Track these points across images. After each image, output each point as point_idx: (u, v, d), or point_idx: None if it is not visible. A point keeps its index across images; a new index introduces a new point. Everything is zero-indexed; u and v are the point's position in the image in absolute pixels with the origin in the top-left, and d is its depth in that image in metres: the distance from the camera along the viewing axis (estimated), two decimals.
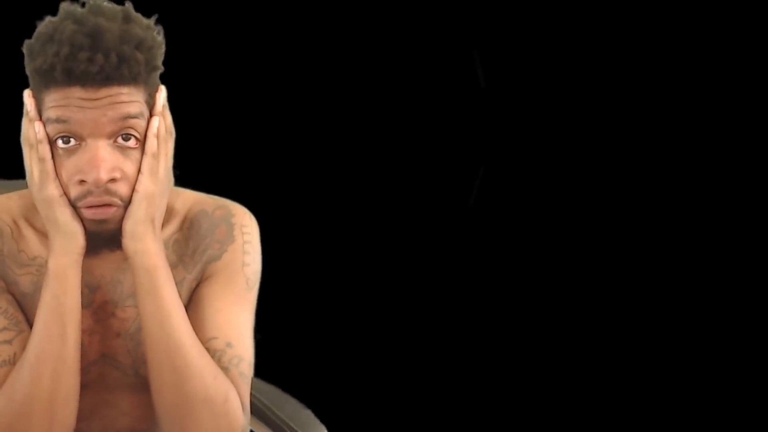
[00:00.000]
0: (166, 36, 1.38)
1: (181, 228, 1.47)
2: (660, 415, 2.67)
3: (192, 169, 1.48)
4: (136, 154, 1.35)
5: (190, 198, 1.49)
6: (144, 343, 1.38)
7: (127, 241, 1.36)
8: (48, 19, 1.35)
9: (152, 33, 1.35)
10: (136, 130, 1.34)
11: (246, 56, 2.65)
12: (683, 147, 2.71)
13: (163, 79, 1.41)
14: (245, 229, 1.48)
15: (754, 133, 2.69)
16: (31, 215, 1.44)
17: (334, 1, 2.68)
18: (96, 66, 1.29)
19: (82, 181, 1.33)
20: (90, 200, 1.34)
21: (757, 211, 2.70)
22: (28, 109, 1.35)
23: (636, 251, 2.75)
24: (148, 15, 1.38)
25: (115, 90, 1.31)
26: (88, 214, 1.35)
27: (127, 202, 1.36)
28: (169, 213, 1.47)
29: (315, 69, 2.70)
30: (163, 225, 1.45)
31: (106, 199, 1.34)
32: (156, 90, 1.37)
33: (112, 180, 1.33)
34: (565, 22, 2.70)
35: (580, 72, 2.71)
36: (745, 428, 2.62)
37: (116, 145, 1.34)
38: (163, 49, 1.37)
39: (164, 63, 1.39)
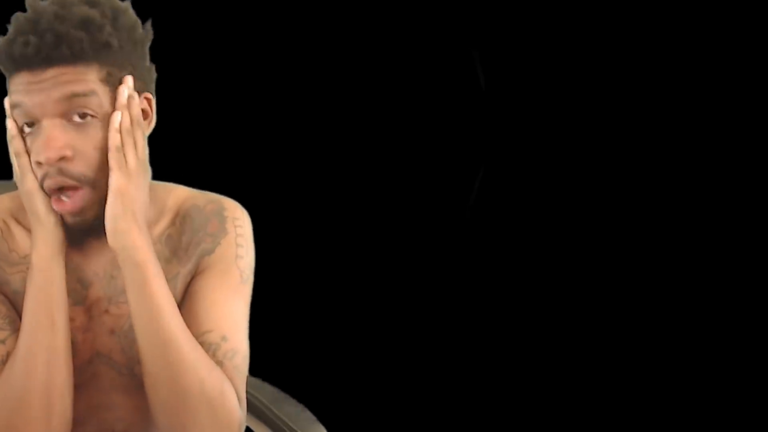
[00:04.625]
0: (163, 34, 1.38)
1: (173, 223, 1.47)
2: (660, 415, 2.67)
3: (188, 166, 1.48)
4: (93, 131, 1.35)
5: (182, 194, 1.49)
6: (136, 339, 1.38)
7: (111, 239, 1.36)
8: None
9: (97, 12, 1.34)
10: (89, 108, 1.35)
11: (246, 57, 2.65)
12: (683, 147, 2.71)
13: (160, 78, 1.41)
14: (237, 222, 1.48)
15: (754, 133, 2.68)
16: (20, 215, 1.45)
17: (333, 1, 2.68)
18: (31, 48, 1.30)
19: (38, 163, 1.34)
20: (48, 183, 1.35)
21: (757, 211, 2.70)
22: (5, 105, 1.37)
23: (636, 251, 2.75)
24: (145, 13, 1.38)
25: (59, 70, 1.32)
26: (57, 207, 1.36)
27: (91, 182, 1.36)
28: (161, 209, 1.47)
29: (315, 69, 2.70)
30: (156, 221, 1.46)
31: (60, 180, 1.34)
32: (126, 70, 1.37)
33: (64, 159, 1.34)
34: (565, 23, 2.70)
35: (580, 72, 2.71)
36: (745, 428, 2.61)
37: (71, 123, 1.34)
38: (126, 27, 1.37)
39: (162, 61, 1.38)
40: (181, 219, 1.47)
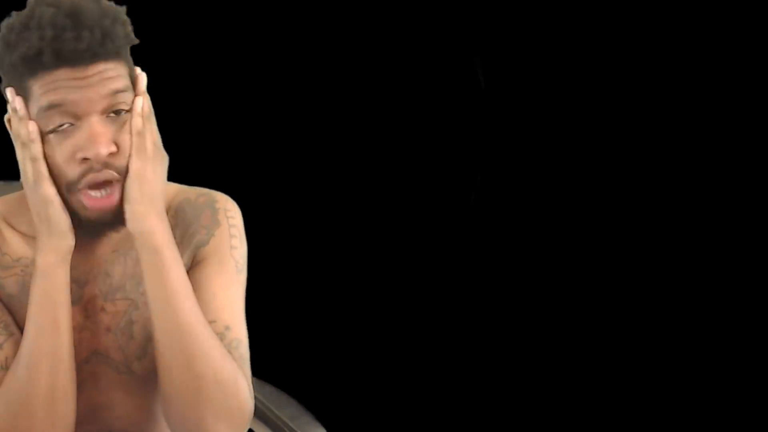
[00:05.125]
0: (163, 30, 1.38)
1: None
2: (660, 415, 2.66)
3: (179, 163, 1.48)
4: (127, 124, 1.36)
5: (172, 189, 1.49)
6: (153, 325, 1.37)
7: (131, 223, 1.36)
8: (14, 13, 1.35)
9: (119, 8, 1.36)
10: (126, 103, 1.35)
11: (244, 56, 2.65)
12: (683, 147, 2.71)
13: (159, 74, 1.41)
14: (229, 213, 1.48)
15: (754, 133, 2.68)
16: (12, 219, 1.44)
17: (335, 3, 2.68)
18: (83, 43, 1.30)
19: (84, 159, 1.33)
20: (92, 177, 1.34)
21: (757, 211, 2.70)
22: (17, 108, 1.34)
23: (635, 251, 2.75)
24: (138, 8, 1.39)
25: (102, 66, 1.32)
26: (93, 204, 1.35)
27: (125, 175, 1.36)
28: None
29: (317, 71, 2.70)
30: None
31: (107, 174, 1.34)
32: (132, 64, 1.38)
33: (111, 154, 1.34)
34: (565, 25, 2.70)
35: (580, 73, 2.71)
36: (745, 428, 2.61)
37: (110, 118, 1.34)
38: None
39: (161, 59, 1.39)
40: (174, 213, 1.47)
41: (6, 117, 1.38)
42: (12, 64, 1.33)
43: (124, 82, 1.35)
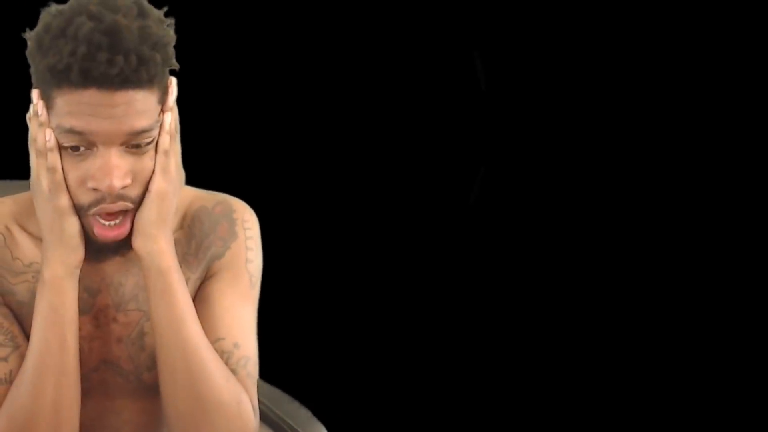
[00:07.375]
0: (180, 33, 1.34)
1: (181, 226, 1.44)
2: (660, 415, 2.67)
3: (195, 166, 1.47)
4: (148, 155, 1.31)
5: (188, 195, 1.45)
6: (156, 346, 1.35)
7: (140, 242, 1.32)
8: (55, 8, 1.28)
9: (165, 28, 1.29)
10: (149, 137, 1.29)
11: (250, 58, 2.65)
12: (683, 147, 2.71)
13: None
14: (247, 225, 1.45)
15: (754, 133, 2.68)
16: (24, 220, 1.40)
17: (335, 2, 2.67)
18: (116, 68, 1.22)
19: (94, 189, 1.28)
20: (104, 206, 1.29)
21: (757, 211, 2.70)
22: (39, 113, 1.29)
23: (635, 252, 2.75)
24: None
25: (131, 95, 1.24)
26: (103, 233, 1.31)
27: (139, 203, 1.32)
28: None
29: (317, 70, 2.70)
30: None
31: (121, 204, 1.30)
32: (165, 86, 1.32)
33: (125, 186, 1.29)
34: (566, 24, 2.70)
35: (580, 73, 2.71)
36: (745, 428, 2.62)
37: (129, 150, 1.28)
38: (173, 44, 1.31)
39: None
40: (190, 222, 1.44)
41: (27, 115, 1.32)
42: (41, 68, 1.26)
43: (150, 118, 1.27)
